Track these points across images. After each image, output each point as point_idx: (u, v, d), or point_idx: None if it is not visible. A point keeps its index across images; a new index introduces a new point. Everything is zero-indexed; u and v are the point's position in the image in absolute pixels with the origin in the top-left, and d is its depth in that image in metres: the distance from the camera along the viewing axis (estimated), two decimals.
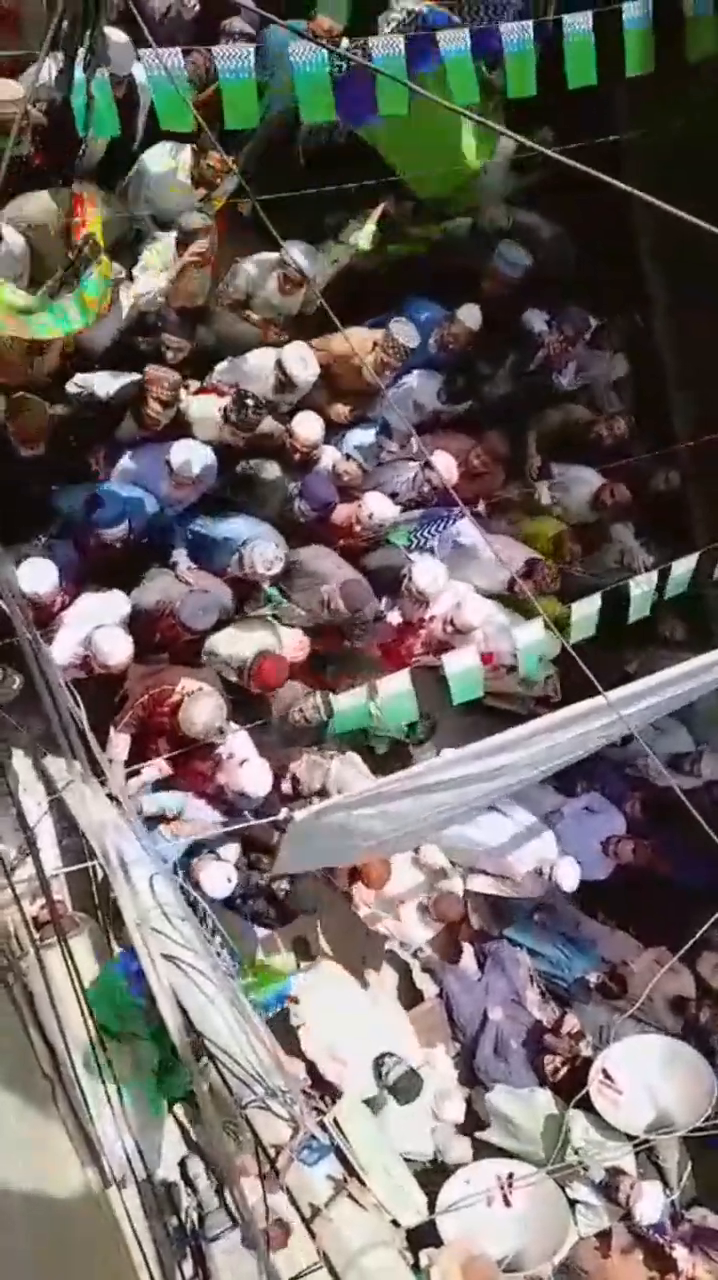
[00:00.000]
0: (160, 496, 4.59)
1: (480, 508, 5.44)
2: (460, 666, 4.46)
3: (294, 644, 4.73)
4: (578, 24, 4.43)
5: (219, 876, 4.12)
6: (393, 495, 5.13)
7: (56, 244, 4.38)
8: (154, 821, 4.38)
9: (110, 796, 3.49)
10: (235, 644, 4.63)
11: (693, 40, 5.02)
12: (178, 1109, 4.21)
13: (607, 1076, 4.94)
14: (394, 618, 5.05)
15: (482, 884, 5.39)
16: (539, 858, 5.25)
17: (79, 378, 4.56)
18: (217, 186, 4.68)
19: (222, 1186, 3.81)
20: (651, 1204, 4.61)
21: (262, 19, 4.30)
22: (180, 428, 4.73)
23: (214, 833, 4.34)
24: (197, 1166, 4.21)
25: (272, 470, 4.95)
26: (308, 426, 4.76)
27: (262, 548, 4.52)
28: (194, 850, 4.31)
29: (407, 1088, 4.62)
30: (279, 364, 4.73)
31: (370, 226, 5.17)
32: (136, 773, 4.37)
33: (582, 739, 3.98)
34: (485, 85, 4.49)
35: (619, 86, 5.27)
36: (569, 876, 5.11)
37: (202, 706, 4.15)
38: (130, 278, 4.56)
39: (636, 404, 6.03)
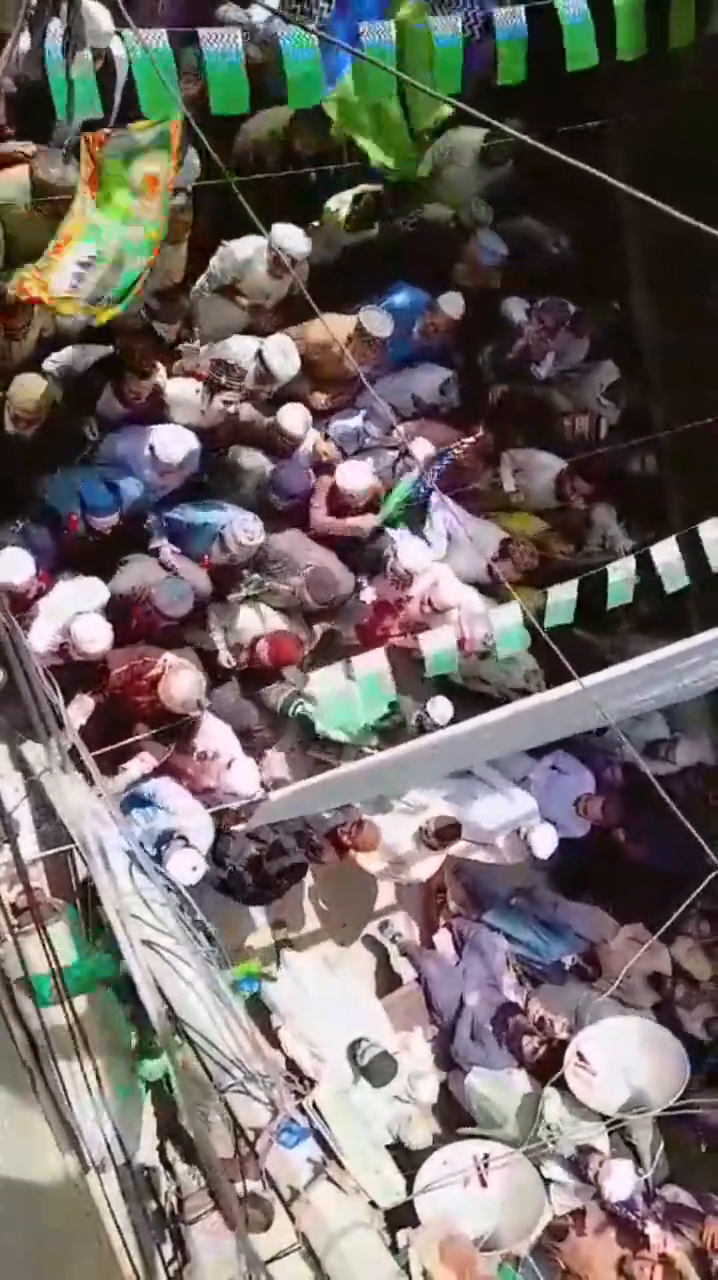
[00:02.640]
0: (145, 481, 4.56)
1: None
2: (438, 646, 4.48)
3: (278, 626, 4.75)
4: (575, 8, 4.40)
5: (186, 864, 4.11)
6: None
7: (29, 223, 4.33)
8: (132, 802, 4.39)
9: (84, 773, 3.47)
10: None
11: (677, 27, 5.00)
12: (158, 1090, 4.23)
13: (581, 1058, 5.00)
14: (368, 595, 5.08)
15: (461, 848, 5.31)
16: (517, 821, 5.23)
17: (53, 356, 4.52)
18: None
19: (201, 1169, 3.83)
20: (620, 1182, 4.67)
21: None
22: (162, 408, 4.70)
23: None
24: (175, 1150, 4.24)
25: (250, 458, 4.93)
26: (293, 420, 4.75)
27: (240, 519, 4.52)
28: (166, 836, 4.31)
29: (380, 1071, 4.67)
30: (260, 356, 4.70)
31: (348, 196, 5.10)
32: (121, 760, 4.36)
33: (562, 723, 4.02)
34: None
35: (602, 75, 5.27)
36: (544, 842, 5.10)
37: (181, 679, 4.16)
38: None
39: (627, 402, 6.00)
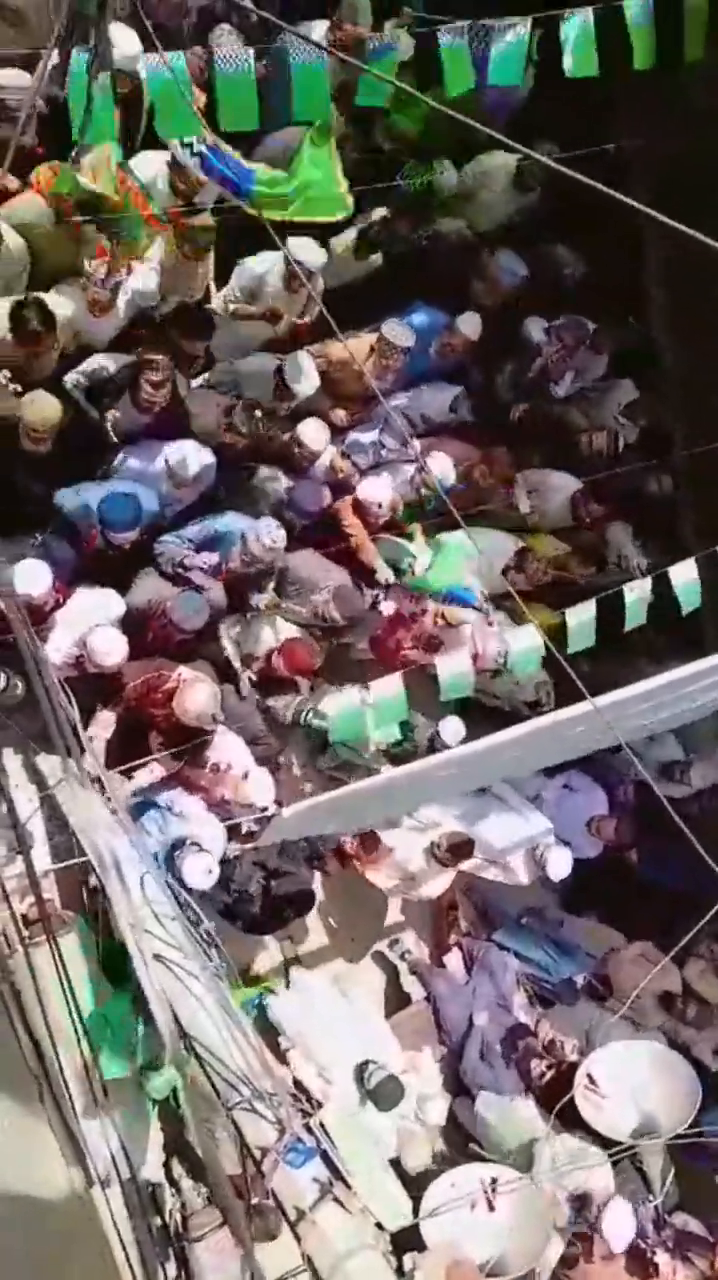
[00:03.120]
0: (161, 494, 4.59)
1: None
2: (452, 670, 4.49)
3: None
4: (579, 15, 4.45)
5: (200, 868, 4.10)
6: None
7: (53, 242, 4.39)
8: (143, 807, 4.40)
9: (99, 786, 3.49)
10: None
11: (691, 43, 5.04)
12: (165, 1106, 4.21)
13: (591, 1081, 4.95)
14: (387, 608, 5.09)
15: (472, 866, 5.28)
16: (531, 840, 5.21)
17: (74, 371, 4.56)
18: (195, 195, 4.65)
19: (208, 1186, 3.80)
20: (617, 1230, 4.57)
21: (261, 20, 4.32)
22: (179, 420, 4.73)
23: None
24: (181, 1167, 4.21)
25: (264, 474, 4.96)
26: (313, 435, 4.78)
27: (265, 524, 4.54)
28: (179, 843, 4.31)
29: (387, 1094, 4.62)
30: (279, 374, 4.73)
31: (351, 233, 5.15)
32: (130, 777, 4.38)
33: (574, 743, 4.01)
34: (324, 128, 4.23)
35: (619, 97, 5.32)
36: (559, 864, 5.07)
37: (196, 693, 4.17)
38: (129, 269, 4.55)
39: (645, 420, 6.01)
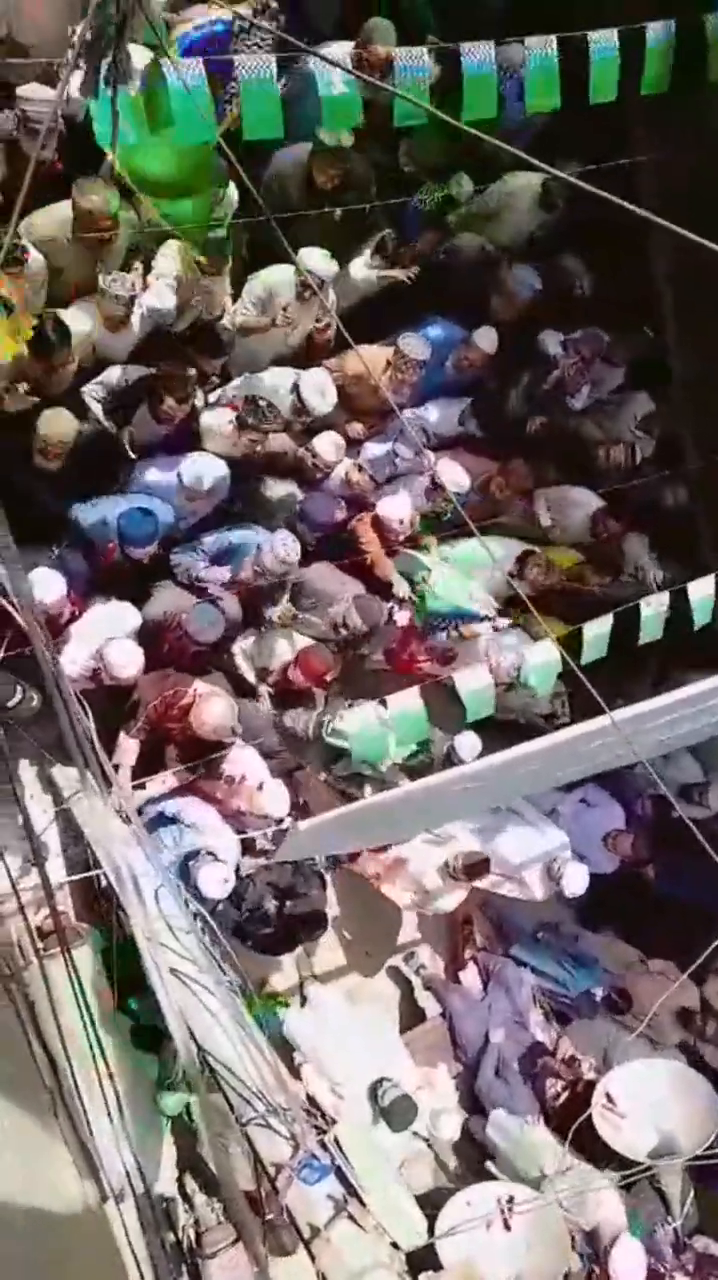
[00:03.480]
0: (176, 507, 4.60)
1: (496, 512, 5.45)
2: (473, 686, 4.47)
3: None
4: (604, 41, 4.45)
5: (216, 878, 4.10)
6: None
7: (71, 257, 4.42)
8: (158, 822, 4.40)
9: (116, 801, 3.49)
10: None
11: (714, 62, 5.03)
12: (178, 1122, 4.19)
13: (609, 1100, 4.89)
14: (403, 619, 5.08)
15: (488, 881, 5.21)
16: (547, 855, 5.16)
17: (92, 383, 4.59)
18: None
19: (222, 1201, 3.78)
20: (625, 1267, 4.46)
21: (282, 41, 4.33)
22: (195, 436, 4.75)
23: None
24: (194, 1183, 4.19)
25: (279, 488, 4.97)
26: (328, 447, 4.79)
27: (280, 537, 4.55)
28: (193, 854, 4.31)
29: (401, 1113, 4.58)
30: (296, 391, 4.75)
31: (365, 258, 5.15)
32: (142, 786, 4.38)
33: (591, 758, 3.98)
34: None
35: (638, 114, 5.31)
36: (576, 880, 5.01)
37: (212, 706, 4.18)
38: (145, 285, 4.58)
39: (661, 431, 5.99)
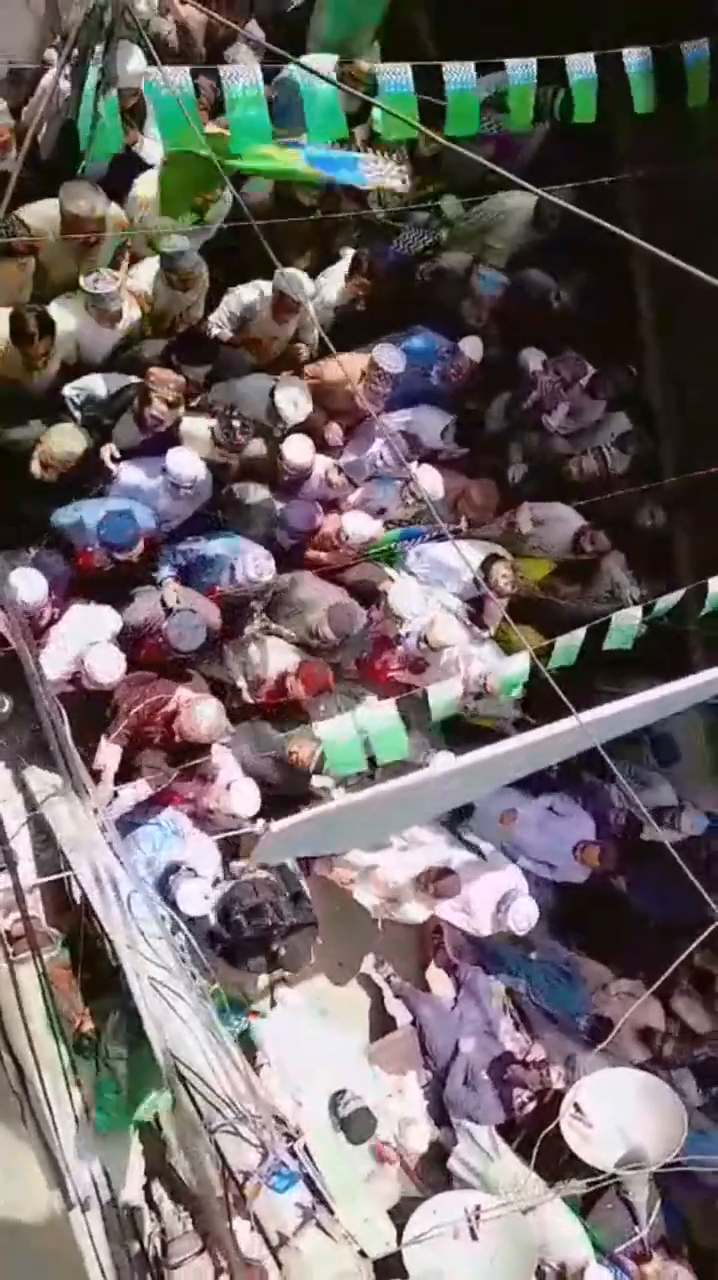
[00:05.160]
0: (158, 511, 4.59)
1: (462, 525, 5.46)
2: (442, 695, 4.50)
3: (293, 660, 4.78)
4: (582, 68, 4.54)
5: (196, 894, 4.09)
6: (381, 511, 5.18)
7: (59, 254, 4.42)
8: (138, 825, 4.39)
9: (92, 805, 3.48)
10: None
11: (693, 90, 5.14)
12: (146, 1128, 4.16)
13: (578, 1110, 4.90)
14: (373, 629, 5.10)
15: (445, 910, 5.26)
16: (501, 891, 5.19)
17: (74, 383, 4.58)
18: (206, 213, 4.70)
19: (190, 1210, 3.75)
20: None
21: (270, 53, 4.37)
22: (175, 441, 4.75)
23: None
24: (160, 1190, 4.15)
25: (257, 493, 4.98)
26: (297, 451, 4.80)
27: (252, 554, 4.56)
28: (173, 867, 4.29)
29: (359, 1126, 4.57)
30: (271, 399, 4.76)
31: (340, 280, 5.17)
32: (115, 794, 4.35)
33: (553, 751, 4.06)
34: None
35: (621, 133, 5.40)
36: (523, 919, 5.04)
37: (204, 711, 4.18)
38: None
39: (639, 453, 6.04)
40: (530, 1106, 5.06)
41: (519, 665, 4.76)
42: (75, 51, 3.09)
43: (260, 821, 4.41)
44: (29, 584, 4.08)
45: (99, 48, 3.66)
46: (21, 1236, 3.32)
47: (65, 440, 4.31)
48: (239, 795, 4.32)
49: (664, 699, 3.83)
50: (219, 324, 4.96)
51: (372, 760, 4.44)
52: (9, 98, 4.30)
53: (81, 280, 4.32)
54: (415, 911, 5.08)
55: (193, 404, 4.85)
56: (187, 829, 4.35)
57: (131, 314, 4.63)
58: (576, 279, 5.71)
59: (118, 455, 4.57)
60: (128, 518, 4.36)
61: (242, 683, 4.77)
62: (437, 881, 4.90)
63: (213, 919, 4.45)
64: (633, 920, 5.75)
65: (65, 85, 3.62)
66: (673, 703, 4.04)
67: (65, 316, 4.38)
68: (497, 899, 5.13)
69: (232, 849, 4.63)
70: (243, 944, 4.56)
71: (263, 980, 5.12)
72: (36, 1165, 3.42)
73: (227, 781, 4.33)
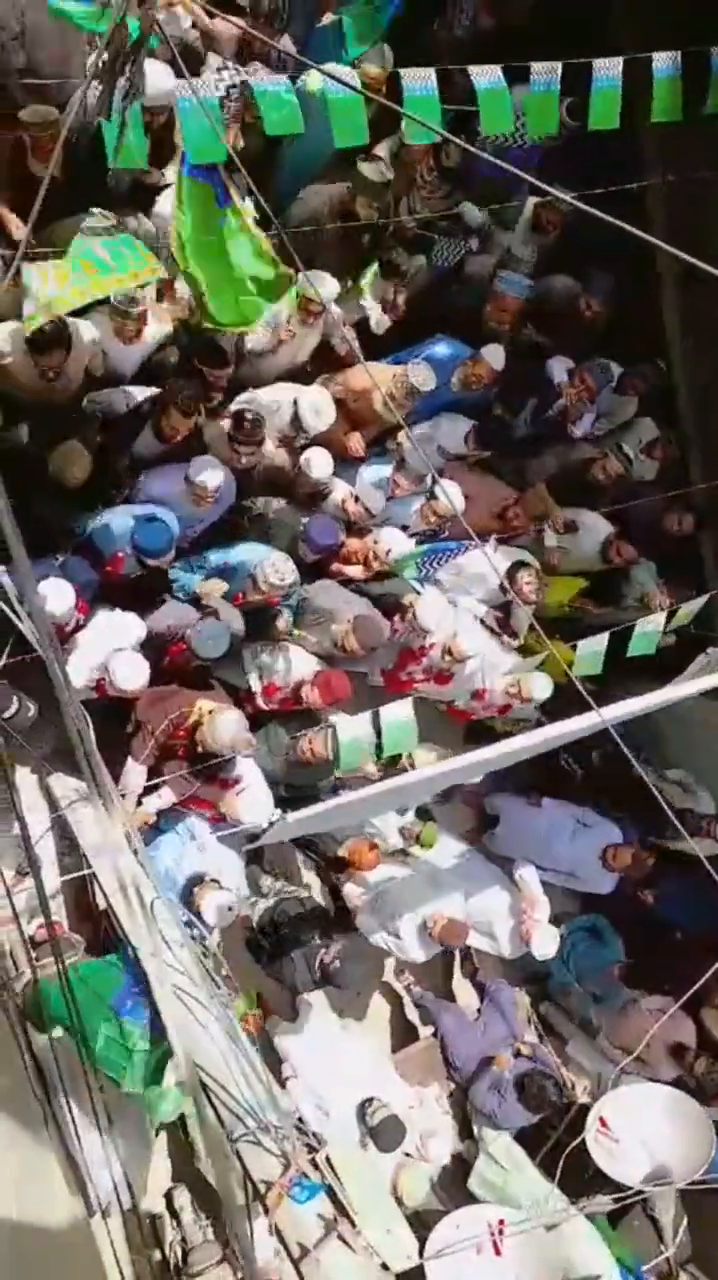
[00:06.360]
0: (181, 516, 4.60)
1: (491, 541, 5.44)
2: (397, 717, 4.47)
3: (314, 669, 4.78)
4: (608, 71, 4.51)
5: (220, 905, 4.10)
6: (403, 528, 5.16)
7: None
8: (162, 831, 4.40)
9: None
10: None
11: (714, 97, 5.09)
12: (164, 1138, 4.16)
13: (604, 1125, 4.84)
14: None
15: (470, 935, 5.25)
16: (519, 915, 5.22)
17: (94, 395, 4.61)
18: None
19: (215, 1219, 3.74)
20: None
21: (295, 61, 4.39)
22: (198, 450, 4.77)
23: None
24: (182, 1198, 4.15)
25: (276, 505, 4.98)
26: (317, 463, 4.80)
27: (274, 559, 4.56)
28: (197, 879, 4.30)
29: (388, 1134, 4.54)
30: (295, 408, 4.77)
31: (368, 294, 5.19)
32: (139, 802, 4.37)
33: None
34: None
35: (644, 139, 5.36)
36: (545, 944, 5.07)
37: (226, 721, 4.17)
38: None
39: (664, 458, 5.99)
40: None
41: (548, 687, 4.82)
42: (105, 58, 3.11)
43: (277, 811, 4.40)
44: (59, 594, 4.08)
45: (130, 61, 3.68)
46: (43, 1242, 3.33)
47: (66, 466, 4.35)
48: (251, 803, 4.32)
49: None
50: (257, 341, 4.96)
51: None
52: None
53: (112, 297, 4.34)
54: (416, 952, 5.08)
55: (212, 405, 4.86)
56: (207, 839, 4.34)
57: (161, 329, 4.65)
58: (602, 284, 5.67)
59: (129, 468, 4.61)
60: (162, 524, 4.37)
61: (255, 685, 4.76)
62: (442, 935, 4.90)
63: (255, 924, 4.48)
64: (661, 932, 5.68)
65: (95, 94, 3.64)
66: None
67: (89, 327, 4.41)
68: (518, 923, 5.16)
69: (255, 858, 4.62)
70: (288, 955, 4.56)
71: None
72: (58, 1171, 3.43)
73: (241, 788, 4.33)
